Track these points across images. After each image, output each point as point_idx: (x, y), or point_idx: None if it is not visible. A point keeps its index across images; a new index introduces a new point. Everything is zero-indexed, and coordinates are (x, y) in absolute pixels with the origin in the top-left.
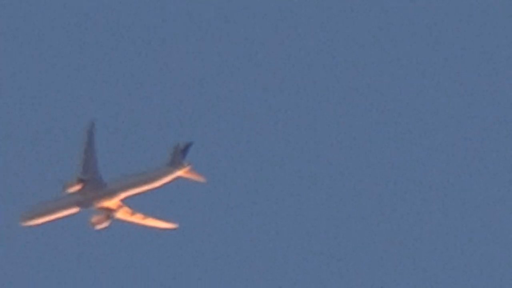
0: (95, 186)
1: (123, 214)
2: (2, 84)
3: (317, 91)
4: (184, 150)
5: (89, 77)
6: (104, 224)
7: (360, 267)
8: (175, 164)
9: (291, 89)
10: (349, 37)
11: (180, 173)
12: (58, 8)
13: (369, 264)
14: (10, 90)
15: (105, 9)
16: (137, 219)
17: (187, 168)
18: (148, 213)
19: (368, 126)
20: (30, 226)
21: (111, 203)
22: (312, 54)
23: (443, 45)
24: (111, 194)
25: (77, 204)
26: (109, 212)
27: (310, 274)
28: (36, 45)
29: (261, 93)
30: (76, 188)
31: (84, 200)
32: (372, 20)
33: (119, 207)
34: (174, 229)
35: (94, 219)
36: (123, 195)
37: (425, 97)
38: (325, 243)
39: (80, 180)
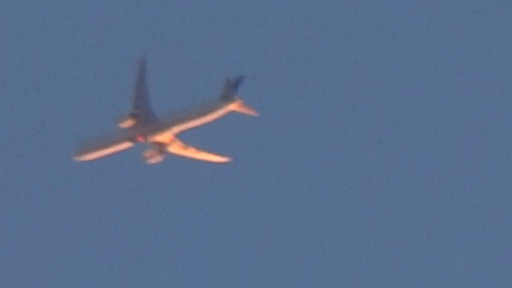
0: (148, 121)
1: (176, 148)
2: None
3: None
4: (236, 84)
5: (140, 11)
6: (157, 159)
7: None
8: (227, 98)
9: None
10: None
11: (232, 107)
12: None
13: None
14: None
15: None
16: (190, 153)
17: (239, 102)
18: (201, 147)
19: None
20: (84, 161)
21: (164, 137)
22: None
23: (439, 45)
24: (164, 128)
25: (130, 138)
26: (162, 146)
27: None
28: None
29: (317, 33)
30: (128, 123)
31: (136, 134)
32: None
33: (172, 141)
34: (226, 163)
35: (147, 153)
36: (176, 129)
37: (420, 97)
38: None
39: (133, 115)
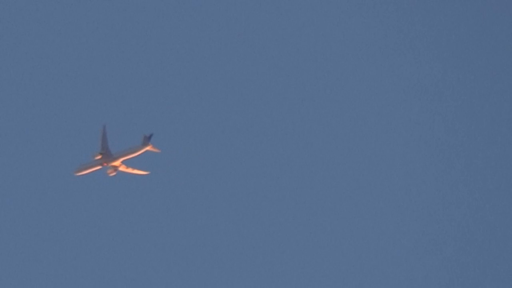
0: (108, 156)
1: (123, 168)
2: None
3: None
4: (149, 137)
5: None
6: (113, 173)
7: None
8: (145, 144)
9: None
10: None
11: (148, 148)
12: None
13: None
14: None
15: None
16: (129, 170)
17: (150, 146)
18: (134, 167)
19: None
20: (79, 176)
21: (116, 163)
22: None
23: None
24: (116, 159)
25: (100, 164)
26: (115, 167)
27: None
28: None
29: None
30: (99, 156)
31: (103, 162)
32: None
33: (120, 165)
34: (147, 175)
35: (108, 171)
36: (122, 159)
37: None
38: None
39: (100, 153)
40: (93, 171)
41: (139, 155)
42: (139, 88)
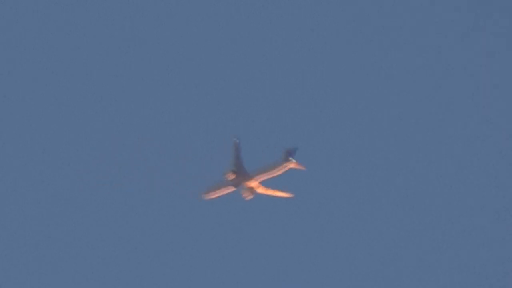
0: (243, 175)
1: (261, 190)
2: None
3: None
4: (292, 152)
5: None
6: (250, 196)
7: None
8: (287, 160)
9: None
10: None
11: (291, 165)
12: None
13: None
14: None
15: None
16: (269, 192)
17: (294, 162)
18: (275, 188)
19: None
20: (208, 199)
21: (253, 184)
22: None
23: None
24: (252, 178)
25: (233, 185)
26: (252, 189)
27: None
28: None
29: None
30: (232, 176)
31: (237, 183)
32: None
33: (258, 186)
34: (291, 197)
35: (244, 193)
36: (260, 179)
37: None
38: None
39: (233, 172)
40: (225, 194)
41: (280, 174)
42: (279, 96)
